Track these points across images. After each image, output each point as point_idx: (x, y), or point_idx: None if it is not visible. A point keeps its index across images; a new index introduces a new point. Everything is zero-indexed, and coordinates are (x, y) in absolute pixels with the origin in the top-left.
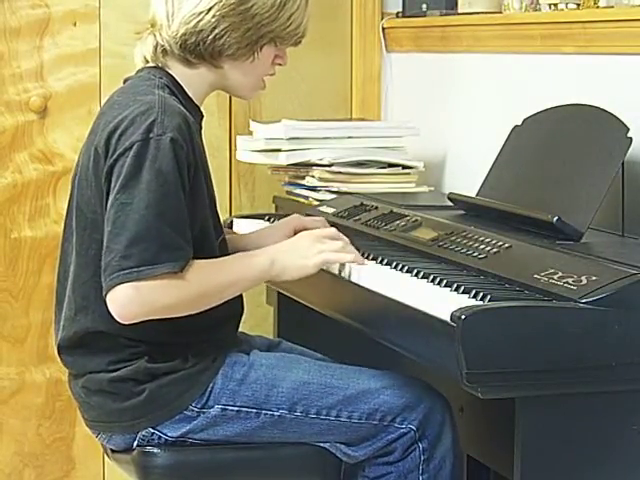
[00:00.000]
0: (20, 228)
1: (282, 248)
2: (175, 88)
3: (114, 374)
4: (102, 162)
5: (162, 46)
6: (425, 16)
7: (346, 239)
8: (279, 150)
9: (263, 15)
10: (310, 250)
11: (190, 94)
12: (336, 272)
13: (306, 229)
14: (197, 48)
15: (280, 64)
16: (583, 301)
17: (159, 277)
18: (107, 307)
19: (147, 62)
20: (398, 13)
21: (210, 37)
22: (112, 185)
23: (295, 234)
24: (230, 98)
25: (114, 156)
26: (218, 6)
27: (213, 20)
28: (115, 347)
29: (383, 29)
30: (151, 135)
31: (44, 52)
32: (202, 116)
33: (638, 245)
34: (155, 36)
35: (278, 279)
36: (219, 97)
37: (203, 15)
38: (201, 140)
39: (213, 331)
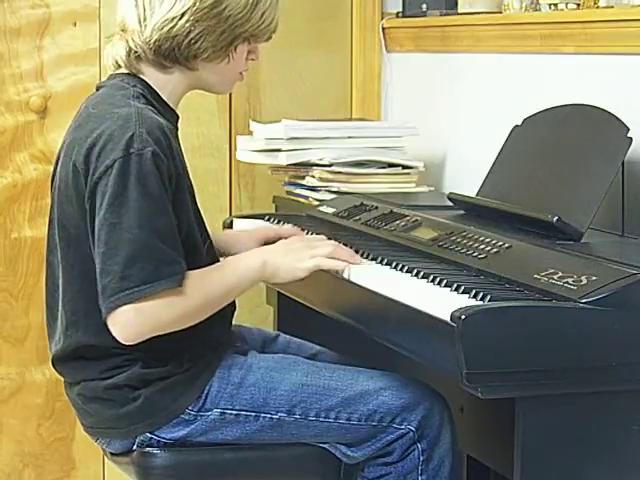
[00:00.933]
0: (20, 228)
1: (274, 250)
2: (150, 95)
3: (109, 381)
4: (82, 179)
5: (135, 52)
6: (425, 16)
7: (335, 242)
8: (279, 150)
9: (237, 16)
10: (303, 253)
11: (165, 98)
12: (334, 272)
13: (280, 237)
14: (172, 53)
15: (253, 59)
16: (583, 301)
17: (160, 295)
18: (97, 322)
19: (119, 67)
20: (398, 13)
21: (185, 42)
22: (98, 204)
23: (265, 244)
24: (230, 98)
25: (96, 174)
26: (191, 11)
27: (187, 25)
28: (108, 356)
29: (383, 29)
30: (132, 151)
31: (44, 52)
32: (177, 117)
33: (638, 245)
34: (127, 41)
35: (270, 281)
36: (219, 97)
37: (177, 20)
38: (179, 143)
39: (206, 331)
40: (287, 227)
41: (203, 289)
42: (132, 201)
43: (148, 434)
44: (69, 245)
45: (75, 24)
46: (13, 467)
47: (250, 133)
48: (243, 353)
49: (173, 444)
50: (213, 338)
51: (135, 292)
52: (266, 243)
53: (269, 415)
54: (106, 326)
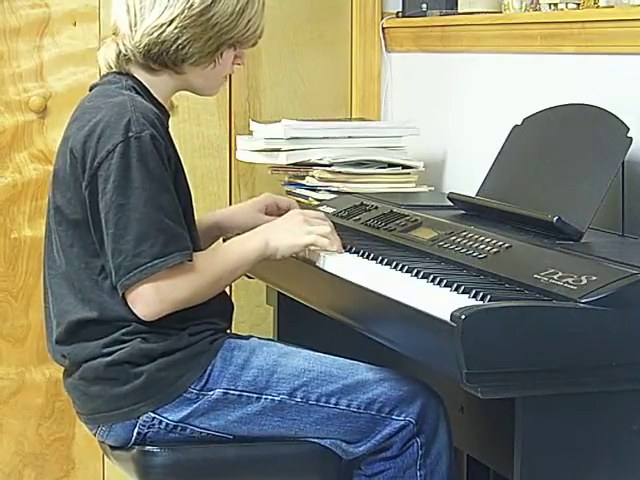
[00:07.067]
0: (20, 228)
1: (274, 229)
2: (141, 90)
3: (109, 358)
4: (79, 166)
5: (125, 55)
6: (425, 16)
7: (332, 225)
8: (279, 150)
9: (223, 24)
10: (300, 229)
11: (156, 95)
12: (329, 269)
13: (278, 206)
14: (160, 57)
15: (239, 64)
16: (583, 301)
17: (175, 273)
18: (100, 296)
19: (110, 68)
20: (398, 13)
21: (173, 47)
22: (101, 188)
23: (266, 212)
24: (230, 98)
25: (97, 159)
26: (180, 18)
27: (175, 31)
28: (107, 330)
29: (383, 29)
30: (130, 134)
31: (44, 52)
32: (169, 115)
33: (638, 245)
34: (118, 45)
35: (272, 258)
36: (219, 97)
37: (165, 27)
38: (171, 140)
39: (206, 315)
40: (284, 198)
41: (213, 267)
42: (136, 182)
43: (151, 414)
44: (67, 229)
45: (75, 24)
46: (13, 467)
47: (250, 133)
48: (246, 339)
49: (175, 427)
50: (212, 320)
51: (149, 267)
52: (266, 211)
53: (270, 397)
54: (111, 302)
